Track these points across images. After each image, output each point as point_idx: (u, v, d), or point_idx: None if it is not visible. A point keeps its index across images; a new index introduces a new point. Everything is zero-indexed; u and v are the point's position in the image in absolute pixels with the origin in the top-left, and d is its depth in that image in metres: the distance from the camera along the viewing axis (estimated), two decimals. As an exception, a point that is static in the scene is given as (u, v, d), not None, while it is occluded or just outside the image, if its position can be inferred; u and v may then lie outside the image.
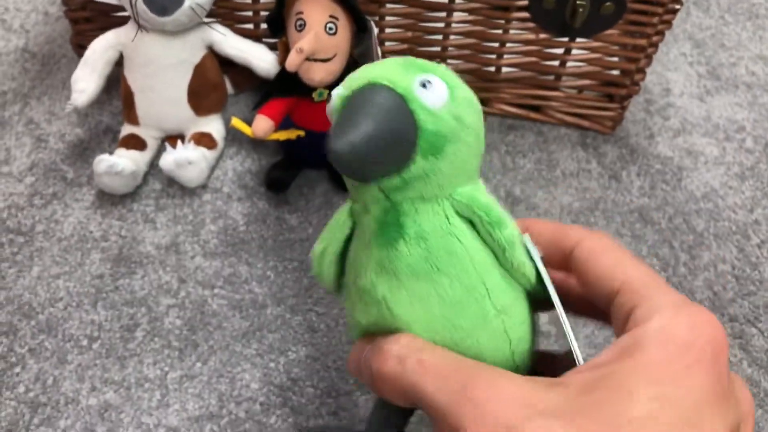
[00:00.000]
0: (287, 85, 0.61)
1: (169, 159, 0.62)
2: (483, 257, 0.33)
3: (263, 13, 0.71)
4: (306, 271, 0.60)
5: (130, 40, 0.62)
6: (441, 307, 0.33)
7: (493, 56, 0.71)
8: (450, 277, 0.33)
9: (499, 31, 0.69)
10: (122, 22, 0.66)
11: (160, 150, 0.68)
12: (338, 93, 0.33)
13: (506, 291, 0.34)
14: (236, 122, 0.62)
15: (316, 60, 0.58)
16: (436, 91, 0.32)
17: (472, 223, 0.33)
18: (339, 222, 0.38)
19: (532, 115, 0.76)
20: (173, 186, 0.66)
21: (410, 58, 0.34)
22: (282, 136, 0.63)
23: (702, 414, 0.27)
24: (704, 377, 0.28)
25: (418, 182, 0.32)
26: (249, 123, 0.63)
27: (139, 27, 0.61)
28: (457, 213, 0.33)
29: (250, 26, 0.72)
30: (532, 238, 0.35)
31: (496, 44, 0.70)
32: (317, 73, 0.59)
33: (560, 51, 0.70)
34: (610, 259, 0.33)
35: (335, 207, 0.66)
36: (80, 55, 0.76)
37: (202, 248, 0.62)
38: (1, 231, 0.62)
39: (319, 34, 0.57)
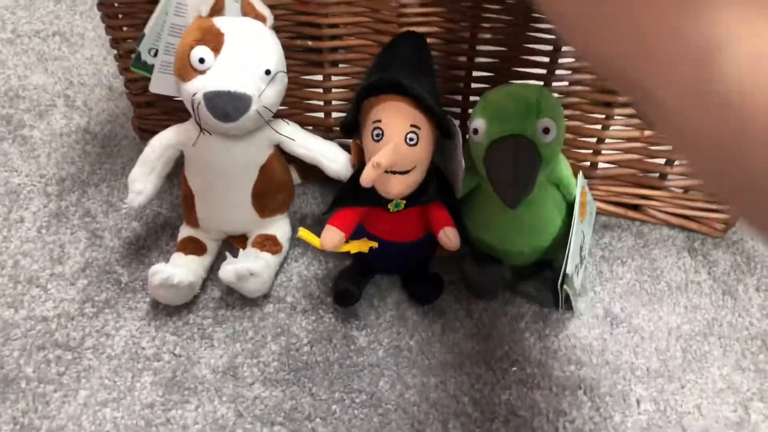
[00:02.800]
0: (360, 194, 0.55)
1: (229, 270, 0.57)
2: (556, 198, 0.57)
3: (335, 103, 0.65)
4: (376, 408, 0.53)
5: (191, 143, 0.57)
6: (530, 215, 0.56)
7: (589, 152, 0.63)
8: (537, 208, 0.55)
9: (598, 127, 0.61)
10: (185, 107, 0.61)
11: (222, 253, 0.63)
12: (485, 133, 0.51)
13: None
14: (304, 233, 0.56)
15: (394, 173, 0.52)
16: (551, 133, 0.51)
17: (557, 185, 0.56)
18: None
19: (632, 214, 0.67)
20: (233, 294, 0.61)
21: (526, 98, 0.51)
22: (354, 248, 0.57)
23: None
24: None
25: None
26: (318, 220, 0.57)
27: (201, 130, 0.55)
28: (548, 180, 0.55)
29: (321, 115, 0.66)
30: None
31: (594, 140, 0.62)
32: (395, 188, 0.52)
33: (668, 147, 0.62)
34: None
35: (409, 324, 0.59)
36: (142, 138, 0.72)
37: (262, 373, 0.56)
38: (49, 345, 0.57)
39: (398, 146, 0.50)
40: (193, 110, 0.54)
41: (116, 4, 0.62)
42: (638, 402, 0.54)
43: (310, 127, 0.65)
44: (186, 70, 0.53)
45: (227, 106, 0.52)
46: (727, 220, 0.66)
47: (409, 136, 0.51)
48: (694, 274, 0.64)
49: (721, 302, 0.62)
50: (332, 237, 0.55)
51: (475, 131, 0.52)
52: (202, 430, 0.52)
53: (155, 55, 0.58)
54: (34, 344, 0.57)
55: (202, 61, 0.52)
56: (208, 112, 0.52)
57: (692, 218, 0.66)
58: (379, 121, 0.51)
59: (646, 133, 0.61)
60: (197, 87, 0.52)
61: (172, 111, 0.70)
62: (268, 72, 0.53)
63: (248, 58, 0.53)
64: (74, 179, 0.71)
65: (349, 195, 0.56)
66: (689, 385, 0.55)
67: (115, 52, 0.67)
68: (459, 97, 0.62)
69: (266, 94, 0.54)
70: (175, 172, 0.63)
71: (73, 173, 0.72)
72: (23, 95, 0.82)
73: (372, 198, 0.54)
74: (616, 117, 0.60)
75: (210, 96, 0.52)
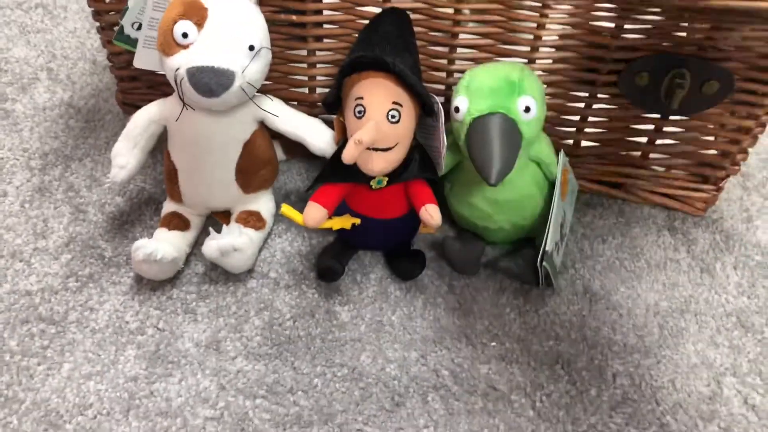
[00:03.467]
0: (342, 171, 0.55)
1: (212, 246, 0.57)
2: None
3: (319, 79, 0.65)
4: (357, 381, 0.54)
5: (174, 118, 0.56)
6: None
7: (572, 130, 0.64)
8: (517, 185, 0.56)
9: (581, 105, 0.62)
10: (169, 83, 0.61)
11: (205, 228, 0.63)
12: (467, 111, 0.52)
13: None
14: (287, 210, 0.56)
15: (376, 150, 0.52)
16: (532, 112, 0.52)
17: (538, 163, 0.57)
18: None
19: (614, 192, 0.68)
20: (217, 269, 0.61)
21: (507, 77, 0.52)
22: (336, 225, 0.57)
23: None
24: None
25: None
26: (301, 197, 0.57)
27: (184, 105, 0.55)
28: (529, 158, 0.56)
29: (305, 90, 0.66)
30: None
31: (577, 118, 0.63)
32: (377, 164, 0.53)
33: (650, 127, 0.62)
34: None
35: (390, 298, 0.59)
36: (125, 112, 0.72)
37: (245, 347, 0.56)
38: (32, 319, 0.57)
39: (380, 123, 0.51)
40: (176, 85, 0.54)
41: (98, -23, 0.61)
42: (614, 376, 0.55)
43: (295, 103, 0.65)
44: (169, 45, 0.53)
45: (210, 82, 0.52)
46: (707, 200, 0.66)
47: (390, 113, 0.51)
48: (674, 252, 0.65)
49: (698, 280, 0.63)
50: (315, 213, 0.55)
51: (457, 109, 0.52)
52: (185, 402, 0.53)
53: (139, 28, 0.58)
54: (17, 318, 0.57)
55: (185, 35, 0.52)
56: (191, 87, 0.52)
57: (673, 197, 0.67)
58: (361, 98, 0.51)
59: (629, 112, 0.61)
60: (180, 62, 0.52)
61: (156, 85, 0.70)
62: (251, 48, 0.53)
63: (232, 33, 0.52)
64: (57, 153, 0.71)
65: (332, 172, 0.57)
66: (664, 361, 0.56)
67: (97, 24, 0.66)
68: (443, 75, 0.62)
69: (250, 69, 0.54)
70: (159, 148, 0.63)
71: (56, 147, 0.72)
72: (5, 68, 0.81)
73: (355, 175, 0.55)
74: (599, 96, 0.61)
75: (193, 71, 0.52)
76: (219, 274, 0.61)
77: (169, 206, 0.62)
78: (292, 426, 0.52)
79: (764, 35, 0.53)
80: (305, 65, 0.64)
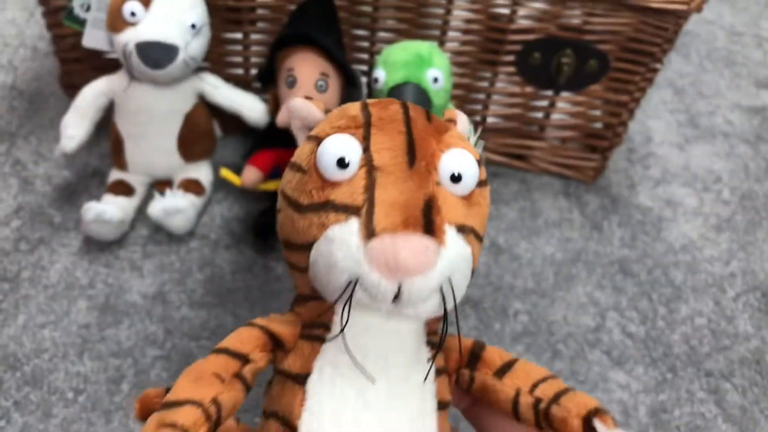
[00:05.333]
0: (277, 137, 0.62)
1: (157, 207, 0.63)
2: None
3: (253, 60, 0.72)
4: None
5: (122, 90, 0.62)
6: None
7: (479, 107, 0.73)
8: None
9: (486, 84, 0.71)
10: (113, 63, 0.67)
11: (148, 195, 0.68)
12: (384, 82, 0.59)
13: None
14: (225, 172, 0.62)
15: (306, 116, 0.59)
16: (440, 82, 0.59)
17: None
18: None
19: (516, 163, 0.77)
20: (160, 232, 0.67)
21: (418, 52, 0.59)
22: (271, 186, 0.64)
23: None
24: None
25: None
26: (237, 168, 0.64)
27: (131, 77, 0.61)
28: None
29: (240, 71, 0.73)
30: None
31: (483, 95, 0.72)
32: (307, 129, 0.60)
33: (545, 104, 0.72)
34: None
35: (322, 256, 0.66)
36: (69, 94, 0.76)
37: (189, 298, 0.62)
38: (-14, 277, 0.61)
39: (309, 91, 0.58)
40: (125, 59, 0.59)
41: (45, -37, 0.66)
42: (515, 314, 0.64)
43: (231, 83, 0.72)
44: (118, 23, 0.59)
45: (157, 55, 0.58)
46: (596, 168, 0.76)
47: (318, 82, 0.58)
48: (568, 213, 0.74)
49: (588, 235, 0.72)
50: (251, 176, 0.62)
51: (376, 80, 0.60)
52: (135, 345, 0.58)
53: (87, 9, 0.63)
54: (-28, 276, 0.61)
55: (133, 14, 0.58)
56: (139, 60, 0.58)
57: (568, 166, 0.77)
58: (292, 69, 0.58)
59: (526, 89, 0.70)
60: (129, 37, 0.58)
61: (101, 68, 0.75)
62: (193, 26, 0.60)
63: (176, 12, 0.59)
64: (2, 132, 0.75)
65: (266, 138, 0.63)
66: (558, 301, 0.66)
67: (43, 8, 0.71)
68: (365, 56, 0.70)
69: (192, 45, 0.60)
70: (103, 127, 0.69)
71: (1, 126, 0.76)
72: (-54, 53, 0.84)
73: (288, 141, 0.62)
74: (500, 75, 0.70)
75: (142, 46, 0.58)
76: (163, 237, 0.67)
77: (114, 174, 0.67)
78: (234, 361, 0.58)
79: (631, 22, 0.63)
80: (240, 47, 0.71)
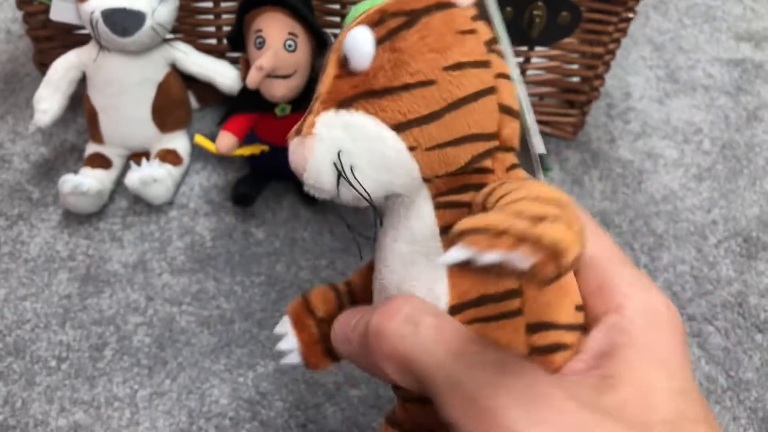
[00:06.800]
0: (250, 101, 0.62)
1: (134, 177, 0.63)
2: None
3: (225, 29, 0.71)
4: (273, 285, 0.61)
5: (92, 61, 0.62)
6: None
7: (455, 66, 0.72)
8: None
9: (460, 42, 0.70)
10: (84, 39, 0.66)
11: (126, 168, 0.68)
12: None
13: None
14: (200, 139, 0.62)
15: (276, 77, 0.59)
16: None
17: None
18: None
19: (495, 122, 0.77)
20: (140, 203, 0.67)
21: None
22: (246, 151, 0.64)
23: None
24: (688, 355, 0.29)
25: None
26: (214, 138, 0.64)
27: (101, 47, 0.61)
28: None
29: (213, 41, 0.73)
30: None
31: (457, 54, 0.71)
32: (278, 90, 0.59)
33: (520, 59, 0.72)
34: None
35: (302, 220, 0.66)
36: (43, 73, 0.76)
37: (170, 265, 0.62)
38: (-34, 254, 0.62)
39: (278, 51, 0.58)
40: (93, 28, 0.59)
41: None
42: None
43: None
44: (83, -8, 0.58)
45: (124, 21, 0.58)
46: (575, 123, 0.76)
47: (287, 42, 0.58)
48: (548, 169, 0.74)
49: (569, 190, 0.72)
50: (226, 141, 0.62)
51: None
52: (116, 312, 0.58)
53: (53, -20, 0.63)
54: (-49, 253, 0.61)
55: (97, -19, 0.58)
56: (106, 27, 0.58)
57: (547, 123, 0.77)
58: (260, 30, 0.58)
59: (500, 45, 0.70)
60: (94, 6, 0.58)
61: (73, 45, 0.74)
62: (159, -8, 0.60)
63: (140, -22, 0.59)
64: (-21, 113, 0.75)
65: (239, 103, 0.63)
66: (540, 253, 0.66)
67: (12, -13, 0.71)
68: (337, 19, 0.70)
69: (159, 11, 0.60)
70: (79, 104, 0.68)
71: (-23, 108, 0.75)
72: None
73: (260, 104, 0.62)
74: (473, 32, 0.69)
75: (108, 13, 0.58)
76: (142, 208, 0.67)
77: (91, 147, 0.67)
78: (215, 324, 0.58)
79: (601, -31, 0.63)
80: (212, 16, 0.70)
